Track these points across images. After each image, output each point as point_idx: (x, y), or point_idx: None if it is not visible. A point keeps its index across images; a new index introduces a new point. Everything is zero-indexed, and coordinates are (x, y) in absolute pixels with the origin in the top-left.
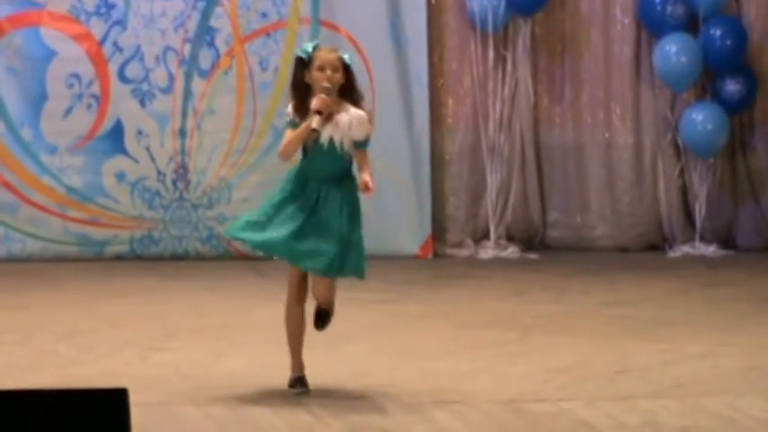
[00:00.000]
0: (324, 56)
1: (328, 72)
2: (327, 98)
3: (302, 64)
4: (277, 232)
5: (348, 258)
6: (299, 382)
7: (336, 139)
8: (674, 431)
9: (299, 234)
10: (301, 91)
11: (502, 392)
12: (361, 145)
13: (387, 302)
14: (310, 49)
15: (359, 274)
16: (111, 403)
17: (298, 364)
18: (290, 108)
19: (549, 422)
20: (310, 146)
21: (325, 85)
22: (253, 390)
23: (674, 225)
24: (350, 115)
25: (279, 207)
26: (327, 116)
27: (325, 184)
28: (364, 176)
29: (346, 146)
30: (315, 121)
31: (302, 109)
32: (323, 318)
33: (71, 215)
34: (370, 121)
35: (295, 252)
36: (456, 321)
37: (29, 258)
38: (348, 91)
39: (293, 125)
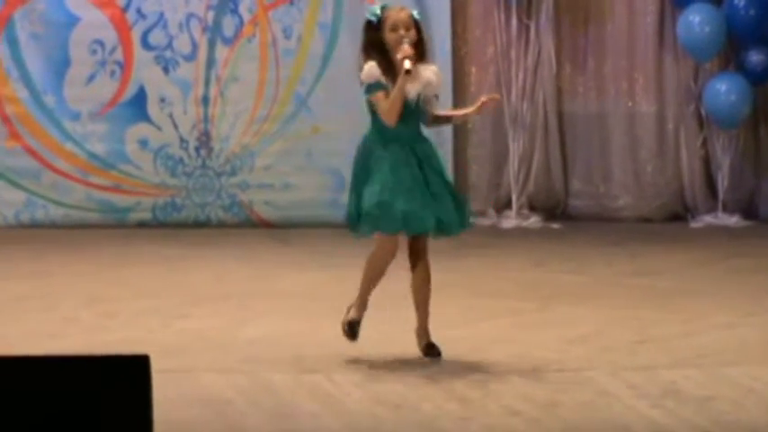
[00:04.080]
0: (395, 15)
1: (402, 31)
2: (410, 48)
3: (373, 27)
4: (406, 206)
5: (460, 213)
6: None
7: (421, 94)
8: (696, 401)
9: (414, 199)
10: (381, 52)
11: (522, 362)
12: (436, 98)
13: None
14: (378, 11)
15: (468, 225)
16: (132, 370)
17: (364, 303)
18: (368, 74)
19: (571, 391)
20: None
21: (406, 63)
22: (275, 357)
23: (697, 195)
24: (429, 70)
25: (395, 177)
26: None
27: (416, 142)
28: (459, 113)
29: (424, 100)
30: (407, 63)
31: (389, 70)
32: (433, 351)
33: (94, 182)
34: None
35: (416, 217)
36: (477, 291)
37: (51, 225)
38: (421, 48)
39: (381, 87)
